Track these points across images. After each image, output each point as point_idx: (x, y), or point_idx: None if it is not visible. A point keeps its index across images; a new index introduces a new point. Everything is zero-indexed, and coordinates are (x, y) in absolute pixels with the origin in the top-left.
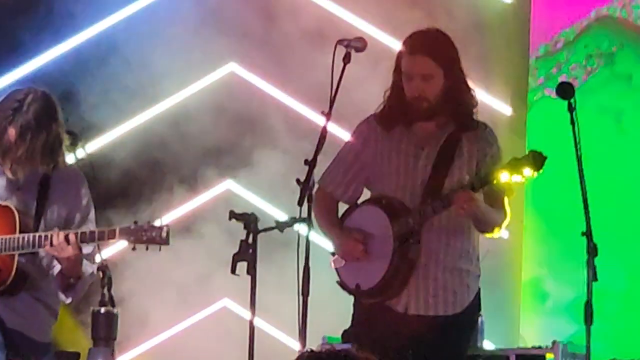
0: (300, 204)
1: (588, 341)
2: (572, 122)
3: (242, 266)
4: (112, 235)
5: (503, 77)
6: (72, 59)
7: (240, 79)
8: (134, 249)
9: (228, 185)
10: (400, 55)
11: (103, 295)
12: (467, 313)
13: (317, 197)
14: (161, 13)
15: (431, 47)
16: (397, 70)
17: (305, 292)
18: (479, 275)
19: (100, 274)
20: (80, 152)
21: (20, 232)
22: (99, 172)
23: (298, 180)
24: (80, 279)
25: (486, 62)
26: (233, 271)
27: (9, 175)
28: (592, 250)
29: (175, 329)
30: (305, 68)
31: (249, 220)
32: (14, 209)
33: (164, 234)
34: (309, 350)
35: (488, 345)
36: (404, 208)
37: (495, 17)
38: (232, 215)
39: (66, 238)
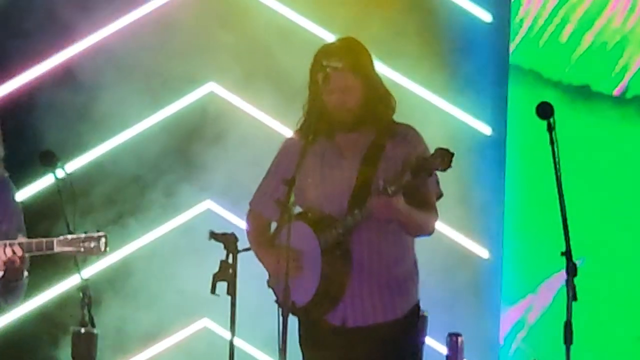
0: (280, 223)
1: None
2: (552, 142)
3: (221, 286)
4: (50, 246)
5: (483, 95)
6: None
7: (220, 98)
8: (75, 260)
9: (208, 205)
10: (316, 68)
11: (83, 315)
12: (407, 318)
13: (248, 218)
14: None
15: (348, 59)
16: (314, 82)
17: (285, 311)
18: (417, 281)
19: (81, 294)
20: (60, 172)
21: None
22: (79, 191)
23: (278, 200)
24: (19, 284)
25: (465, 80)
26: (213, 291)
27: None
28: (572, 270)
29: (155, 349)
30: (282, 86)
31: (229, 240)
32: None
33: (102, 245)
34: None
35: None
36: (329, 219)
37: (476, 35)
38: (212, 235)
39: (14, 248)
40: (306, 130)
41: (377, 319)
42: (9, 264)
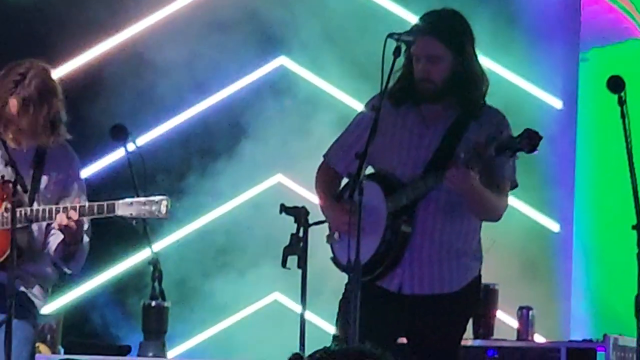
0: (351, 196)
1: (639, 334)
2: (622, 116)
3: (292, 260)
4: (111, 209)
5: (553, 68)
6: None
7: (290, 72)
8: (135, 223)
9: (278, 178)
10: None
11: (154, 288)
12: (464, 293)
13: (318, 171)
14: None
15: (440, 28)
16: (396, 54)
17: (355, 285)
18: (480, 260)
19: (151, 267)
20: (131, 145)
21: (13, 204)
22: (150, 164)
23: (349, 174)
24: (80, 249)
25: (535, 52)
26: (284, 265)
27: (12, 144)
28: None
29: (226, 323)
30: (356, 61)
31: (300, 214)
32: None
33: (163, 208)
34: (322, 348)
35: (538, 338)
36: (400, 184)
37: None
38: (283, 208)
39: (71, 211)
40: (394, 94)
41: (434, 289)
42: (65, 227)
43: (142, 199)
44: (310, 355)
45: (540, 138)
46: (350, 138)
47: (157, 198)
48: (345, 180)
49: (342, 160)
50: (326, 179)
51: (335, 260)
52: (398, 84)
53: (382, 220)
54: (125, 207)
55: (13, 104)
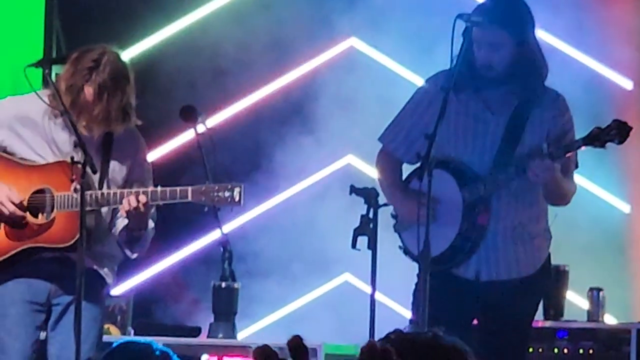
0: (420, 178)
1: None
2: None
3: (362, 241)
4: (184, 195)
5: (625, 47)
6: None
7: (361, 53)
8: (206, 210)
9: (349, 159)
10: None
11: (224, 269)
12: (539, 275)
13: (379, 157)
14: None
15: (502, 15)
16: (468, 35)
17: (425, 266)
18: (550, 239)
19: (221, 248)
20: (201, 127)
21: (82, 185)
22: (220, 145)
23: (418, 155)
24: (144, 234)
25: (607, 30)
26: (354, 246)
27: (84, 132)
28: None
29: (297, 303)
30: (425, 42)
31: (370, 195)
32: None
33: (236, 195)
34: (396, 330)
35: (609, 319)
36: (473, 174)
37: None
38: (353, 189)
39: (139, 197)
40: (454, 79)
41: (511, 274)
42: (132, 212)
43: (215, 185)
44: (384, 337)
45: (630, 129)
46: (409, 121)
47: (230, 185)
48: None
49: (402, 145)
50: (387, 166)
51: (405, 249)
52: (457, 68)
53: (458, 212)
54: (198, 194)
55: (89, 91)
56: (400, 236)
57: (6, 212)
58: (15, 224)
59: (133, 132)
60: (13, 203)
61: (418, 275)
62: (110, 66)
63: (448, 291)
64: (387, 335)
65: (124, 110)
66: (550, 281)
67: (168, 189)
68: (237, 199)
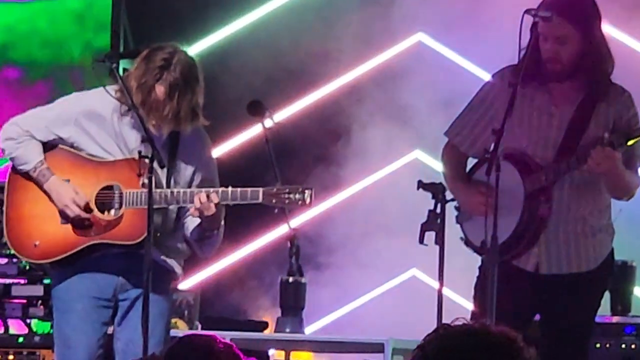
0: (488, 173)
1: None
2: None
3: (430, 236)
4: (255, 196)
5: None
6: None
7: (428, 47)
8: (276, 211)
9: (417, 154)
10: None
11: (291, 264)
12: (601, 270)
13: (444, 151)
14: None
15: (569, 9)
16: (534, 29)
17: (493, 261)
18: (613, 234)
19: (289, 243)
20: (268, 122)
21: (150, 179)
22: (287, 140)
23: (486, 150)
24: (216, 234)
25: None
26: (421, 241)
27: (153, 131)
28: None
29: (364, 298)
30: (492, 38)
31: (437, 190)
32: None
33: (307, 198)
34: (444, 324)
35: None
36: (536, 165)
37: None
38: (420, 185)
39: (210, 196)
40: (520, 72)
41: (572, 268)
42: (204, 211)
43: (286, 187)
44: (433, 331)
45: None
46: (474, 115)
47: (301, 187)
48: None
49: (467, 139)
50: (452, 159)
51: (467, 241)
52: (523, 62)
53: (519, 202)
54: (269, 196)
55: (160, 90)
56: (462, 227)
57: (71, 214)
58: (81, 223)
59: (199, 130)
60: (78, 206)
61: (480, 268)
62: (181, 65)
63: (508, 283)
64: (435, 330)
65: (193, 109)
66: (613, 277)
67: (239, 189)
68: (307, 201)
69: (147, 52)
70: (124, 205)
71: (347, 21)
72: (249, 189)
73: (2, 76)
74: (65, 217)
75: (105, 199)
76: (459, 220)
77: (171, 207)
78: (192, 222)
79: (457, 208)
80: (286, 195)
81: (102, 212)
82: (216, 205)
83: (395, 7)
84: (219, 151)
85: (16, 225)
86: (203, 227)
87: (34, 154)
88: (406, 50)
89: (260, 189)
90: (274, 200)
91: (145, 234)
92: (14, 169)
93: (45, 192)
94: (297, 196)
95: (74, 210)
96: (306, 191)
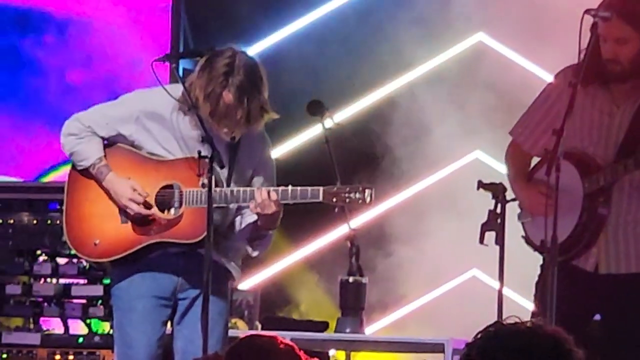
0: (548, 173)
1: None
2: None
3: (490, 236)
4: (315, 195)
5: None
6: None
7: (489, 48)
8: (336, 210)
9: (477, 154)
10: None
11: (351, 264)
12: None
13: (507, 150)
14: None
15: (628, 9)
16: (594, 29)
17: (552, 261)
18: None
19: (349, 243)
20: (328, 121)
21: (210, 179)
22: (346, 140)
23: (546, 150)
24: (270, 235)
25: None
26: (481, 241)
27: (226, 138)
28: None
29: (426, 298)
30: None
31: (497, 190)
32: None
33: (367, 197)
34: (496, 322)
35: None
36: (596, 165)
37: None
38: (480, 185)
39: (271, 194)
40: (581, 72)
41: (631, 268)
42: (264, 208)
43: (346, 186)
44: (484, 328)
45: None
46: (537, 114)
47: (361, 186)
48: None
49: (530, 138)
50: (515, 158)
51: (527, 239)
52: (584, 62)
53: (578, 202)
54: (329, 195)
55: (228, 97)
56: (523, 226)
57: (131, 212)
58: (140, 222)
59: (259, 131)
60: (137, 203)
61: (541, 267)
62: (244, 67)
63: (567, 282)
64: (486, 328)
65: (262, 108)
66: None
67: (299, 188)
68: (367, 200)
69: (207, 59)
70: (183, 204)
71: (405, 21)
72: (309, 188)
73: None
74: (126, 215)
75: (165, 197)
76: (520, 218)
77: (231, 206)
78: (244, 221)
79: (520, 206)
80: (346, 195)
81: (162, 210)
82: (276, 202)
83: (455, 6)
84: (278, 152)
85: (76, 225)
86: (259, 225)
87: (94, 150)
88: (466, 50)
89: (321, 188)
90: (334, 199)
91: (205, 233)
92: (74, 167)
93: (104, 190)
94: (358, 195)
95: (133, 208)
96: (366, 190)
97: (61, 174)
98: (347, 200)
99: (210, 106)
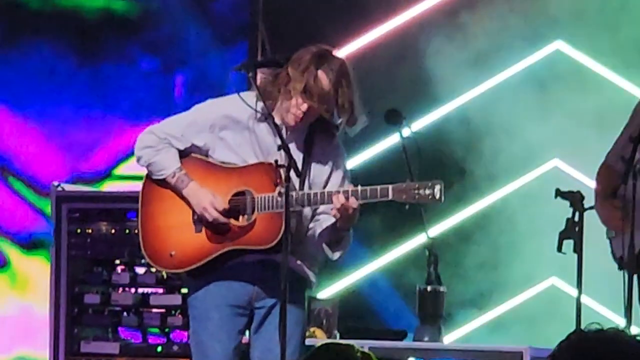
0: (624, 182)
1: None
2: None
3: (568, 244)
4: (384, 193)
5: None
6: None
7: (566, 56)
8: (407, 207)
9: (555, 163)
10: None
11: (429, 273)
12: None
13: (599, 169)
14: None
15: None
16: None
17: (630, 271)
18: None
19: (427, 251)
20: (406, 130)
21: (287, 188)
22: (424, 148)
23: (622, 158)
24: (347, 236)
25: None
26: (559, 249)
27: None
28: None
29: (503, 307)
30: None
31: (575, 198)
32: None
33: (437, 192)
34: (578, 329)
35: None
36: None
37: None
38: (558, 193)
39: (346, 196)
40: None
41: None
42: (342, 211)
43: (415, 183)
44: (567, 337)
45: None
46: (626, 131)
47: (431, 182)
48: None
49: (615, 154)
50: (603, 177)
51: (613, 256)
52: None
53: None
54: (399, 192)
55: (323, 77)
56: (610, 242)
57: (209, 218)
58: (218, 229)
59: (332, 137)
60: (217, 209)
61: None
62: (337, 58)
63: None
64: (568, 336)
65: (350, 103)
66: None
67: (368, 187)
68: (437, 196)
69: (296, 55)
70: (256, 210)
71: (485, 28)
72: (379, 187)
73: None
74: (202, 222)
75: (237, 204)
76: (607, 236)
77: (305, 212)
78: (320, 225)
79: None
80: (416, 191)
81: (236, 218)
82: (354, 202)
83: (534, 14)
84: (354, 162)
85: (152, 237)
86: (340, 227)
87: (172, 160)
88: (544, 58)
89: (390, 186)
90: (404, 197)
91: (280, 237)
92: (148, 178)
93: (182, 198)
94: (427, 191)
95: (212, 214)
96: (436, 186)
97: (131, 164)
98: (417, 196)
99: (306, 83)
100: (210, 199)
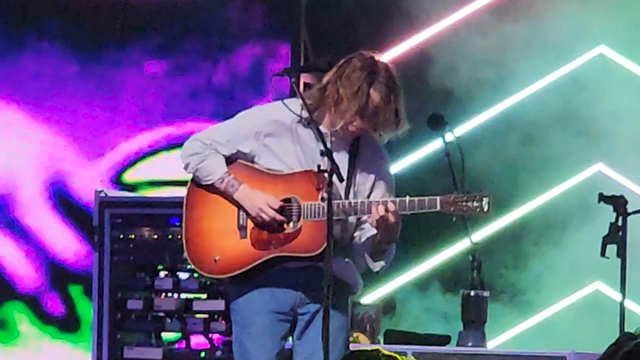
0: None
1: None
2: None
3: (611, 249)
4: (432, 205)
5: None
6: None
7: (610, 60)
8: (454, 219)
9: (599, 167)
10: None
11: (473, 278)
12: None
13: None
14: None
15: None
16: None
17: None
18: None
19: (470, 257)
20: (448, 135)
21: (329, 193)
22: (467, 153)
23: None
24: (391, 248)
25: None
26: (603, 254)
27: (375, 137)
28: None
29: (547, 313)
30: None
31: (619, 203)
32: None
33: (484, 205)
34: (627, 335)
35: None
36: None
37: None
38: (602, 197)
39: (388, 206)
40: None
41: None
42: (381, 222)
43: (463, 195)
44: (614, 341)
45: None
46: None
47: (478, 195)
48: None
49: None
50: None
51: None
52: None
53: None
54: (446, 204)
55: (375, 95)
56: None
57: (266, 217)
58: (275, 229)
59: (377, 144)
60: (273, 208)
61: None
62: (385, 67)
63: None
64: (616, 341)
65: (396, 112)
66: None
67: (416, 198)
68: (485, 208)
69: (342, 63)
70: (302, 218)
71: (527, 33)
72: (427, 198)
73: None
74: (255, 225)
75: (283, 211)
76: None
77: (350, 219)
78: (364, 234)
79: None
80: (464, 203)
81: (280, 225)
82: (394, 213)
83: (576, 19)
84: (398, 167)
85: (196, 242)
86: (380, 238)
87: (220, 165)
88: (588, 63)
89: (438, 197)
90: (452, 209)
91: (325, 245)
92: (194, 183)
93: (232, 202)
94: (475, 204)
95: (269, 213)
96: (484, 199)
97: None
98: (465, 209)
99: (359, 105)
100: (265, 198)
